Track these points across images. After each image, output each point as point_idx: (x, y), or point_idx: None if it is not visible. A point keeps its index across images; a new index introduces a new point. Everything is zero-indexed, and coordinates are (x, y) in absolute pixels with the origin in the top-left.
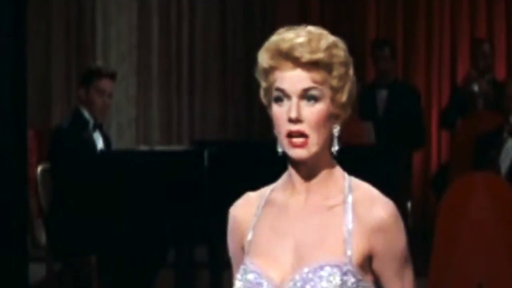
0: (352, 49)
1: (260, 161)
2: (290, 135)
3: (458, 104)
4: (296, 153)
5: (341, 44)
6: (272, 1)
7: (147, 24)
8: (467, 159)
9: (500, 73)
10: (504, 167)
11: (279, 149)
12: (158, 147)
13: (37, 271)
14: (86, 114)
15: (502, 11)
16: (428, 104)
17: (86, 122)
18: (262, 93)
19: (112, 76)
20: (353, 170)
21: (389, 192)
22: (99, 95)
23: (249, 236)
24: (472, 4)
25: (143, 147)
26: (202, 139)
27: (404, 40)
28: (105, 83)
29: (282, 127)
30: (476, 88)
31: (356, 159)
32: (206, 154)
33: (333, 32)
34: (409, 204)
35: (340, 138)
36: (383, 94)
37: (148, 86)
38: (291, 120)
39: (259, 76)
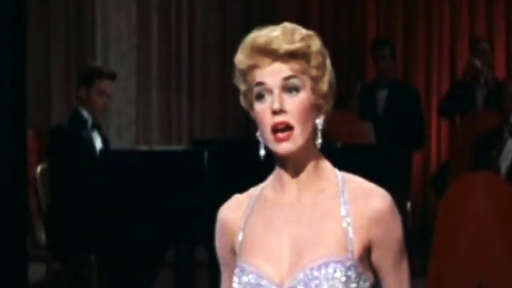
0: (352, 49)
1: (259, 160)
2: (275, 129)
3: (458, 93)
4: (282, 147)
5: (315, 36)
6: (272, 1)
7: (146, 24)
8: (467, 159)
9: (500, 73)
10: (504, 167)
11: (262, 152)
12: (158, 147)
13: (37, 271)
14: (85, 113)
15: (502, 11)
16: (428, 104)
17: (84, 122)
18: (241, 97)
19: (113, 76)
20: (353, 170)
21: (388, 192)
22: (99, 96)
23: (240, 237)
24: (472, 4)
25: (143, 147)
26: (202, 138)
27: (404, 40)
28: (106, 84)
29: (266, 122)
30: (478, 64)
31: (356, 159)
32: (205, 153)
33: (333, 32)
34: (409, 204)
35: (336, 142)
36: (383, 94)
37: (148, 86)
38: (274, 112)
39: (237, 80)
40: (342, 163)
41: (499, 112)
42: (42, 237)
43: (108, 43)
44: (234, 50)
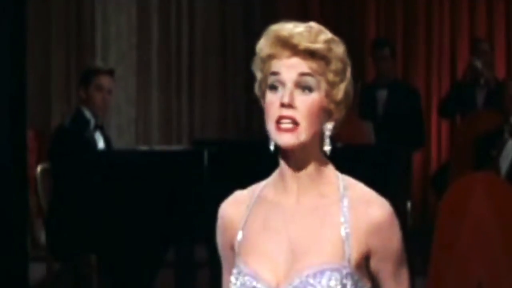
0: (352, 49)
1: (260, 160)
2: (280, 121)
3: (458, 94)
4: (284, 138)
5: (340, 43)
6: (272, 1)
7: (146, 24)
8: (467, 159)
9: (500, 73)
10: (504, 167)
11: (271, 146)
12: (158, 147)
13: (37, 271)
14: (88, 114)
15: (502, 11)
16: (428, 104)
17: (87, 122)
18: (256, 85)
19: (110, 72)
20: (353, 170)
21: (388, 192)
22: (98, 92)
23: (239, 236)
24: (472, 4)
25: (143, 147)
26: (202, 138)
27: (404, 40)
28: (103, 79)
29: (273, 113)
30: (479, 65)
31: (356, 159)
32: (205, 153)
33: (333, 32)
34: (409, 204)
35: (336, 141)
36: (383, 94)
37: (148, 86)
38: (283, 105)
39: (255, 67)
40: (342, 163)
41: (499, 112)
42: (42, 237)
43: (108, 43)
44: (234, 50)
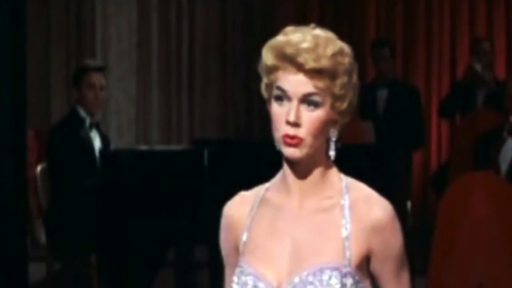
0: (352, 49)
1: (260, 160)
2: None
3: (458, 94)
4: (290, 152)
5: (347, 50)
6: (272, 1)
7: (146, 24)
8: (467, 159)
9: (500, 72)
10: (504, 166)
11: (277, 144)
12: (158, 147)
13: (37, 271)
14: (82, 112)
15: (502, 11)
16: (428, 104)
17: (81, 121)
18: (263, 87)
19: (100, 69)
20: (353, 170)
21: (388, 192)
22: (89, 90)
23: (244, 237)
24: (472, 4)
25: (143, 147)
26: (202, 138)
27: (404, 40)
28: (94, 77)
29: (280, 127)
30: (479, 69)
31: (356, 159)
32: (205, 153)
33: (333, 32)
34: (409, 204)
35: (337, 142)
36: (383, 94)
37: (148, 86)
38: (289, 123)
39: (261, 70)
40: (342, 163)
41: (499, 112)
42: (42, 237)
43: (108, 43)
44: (234, 50)
